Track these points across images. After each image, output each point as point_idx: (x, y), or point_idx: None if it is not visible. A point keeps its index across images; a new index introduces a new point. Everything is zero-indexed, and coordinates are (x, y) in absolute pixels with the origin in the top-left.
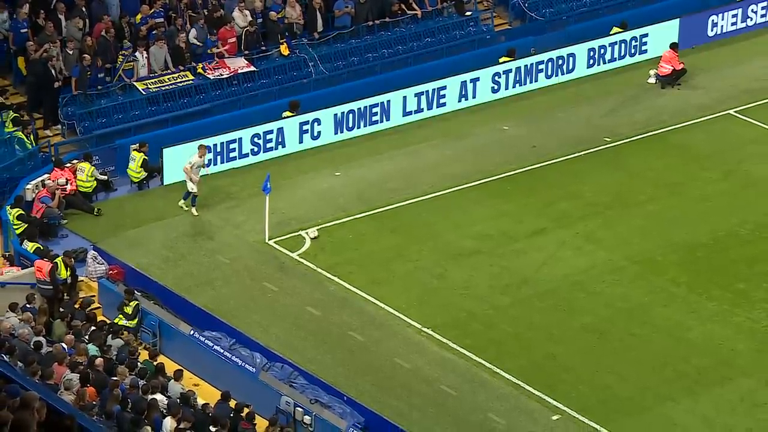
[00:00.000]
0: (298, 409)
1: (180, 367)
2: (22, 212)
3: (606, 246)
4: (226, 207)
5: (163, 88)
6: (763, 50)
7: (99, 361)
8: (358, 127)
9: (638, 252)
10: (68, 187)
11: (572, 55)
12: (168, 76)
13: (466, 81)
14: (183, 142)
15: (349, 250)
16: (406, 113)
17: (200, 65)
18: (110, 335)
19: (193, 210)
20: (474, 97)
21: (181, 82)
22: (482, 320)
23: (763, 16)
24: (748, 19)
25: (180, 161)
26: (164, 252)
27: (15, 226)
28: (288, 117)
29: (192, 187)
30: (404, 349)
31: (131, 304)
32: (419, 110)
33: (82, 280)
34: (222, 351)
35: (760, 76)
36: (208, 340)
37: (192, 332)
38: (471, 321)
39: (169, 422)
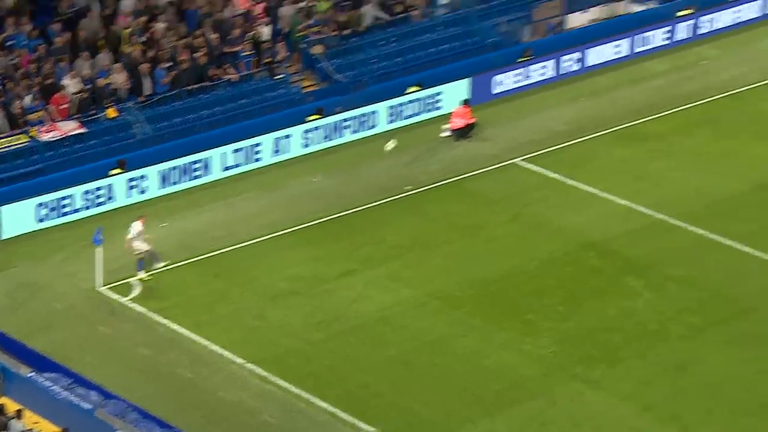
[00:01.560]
0: None
1: (21, 407)
2: None
3: (409, 284)
4: (60, 258)
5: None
6: (541, 106)
7: None
8: (182, 182)
9: (438, 289)
10: None
11: (374, 112)
12: (4, 139)
13: (279, 138)
14: (19, 199)
15: (176, 294)
16: (225, 168)
17: (34, 128)
18: None
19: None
20: (287, 152)
21: (16, 144)
22: (299, 355)
23: (541, 74)
24: (529, 78)
25: (16, 218)
26: (4, 301)
27: None
28: (118, 174)
29: (141, 251)
30: (229, 384)
31: None
32: (237, 165)
33: None
34: (60, 390)
35: (540, 129)
36: (46, 381)
37: (31, 374)
38: (289, 356)
39: None
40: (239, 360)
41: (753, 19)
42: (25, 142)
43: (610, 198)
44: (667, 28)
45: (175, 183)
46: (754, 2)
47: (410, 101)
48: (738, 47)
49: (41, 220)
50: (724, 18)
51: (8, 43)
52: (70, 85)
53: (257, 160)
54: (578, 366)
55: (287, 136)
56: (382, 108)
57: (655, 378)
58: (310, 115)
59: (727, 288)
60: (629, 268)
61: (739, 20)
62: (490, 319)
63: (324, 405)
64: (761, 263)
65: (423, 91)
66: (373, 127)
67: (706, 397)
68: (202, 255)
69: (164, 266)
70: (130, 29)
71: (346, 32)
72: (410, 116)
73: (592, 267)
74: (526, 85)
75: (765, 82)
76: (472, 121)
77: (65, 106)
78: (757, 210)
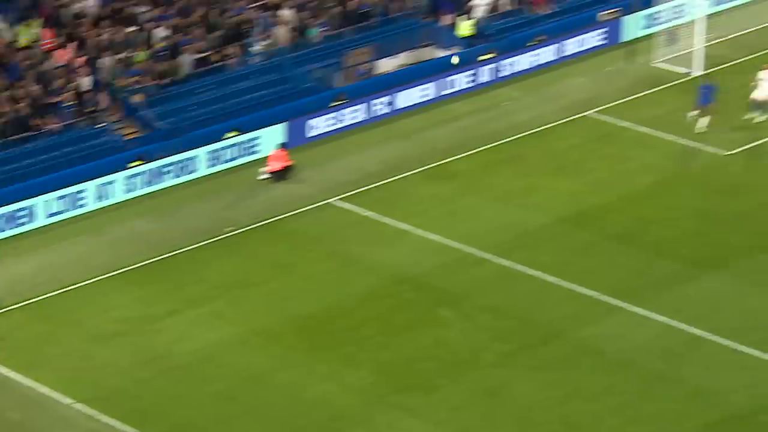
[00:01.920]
0: None
1: None
2: None
3: (232, 322)
4: None
5: None
6: (354, 148)
7: None
8: (7, 230)
9: (260, 325)
10: None
11: (194, 157)
12: None
13: (102, 184)
14: None
15: (4, 338)
16: (50, 215)
17: None
18: None
19: None
20: (110, 197)
21: None
22: (126, 393)
23: (353, 118)
24: (342, 122)
25: None
26: None
27: None
28: None
29: None
30: (58, 425)
31: None
32: (62, 212)
33: None
34: None
35: (354, 169)
36: None
37: None
38: (116, 394)
39: None
40: (68, 400)
41: (550, 61)
42: None
43: (422, 234)
44: (471, 72)
45: (1, 231)
46: (551, 46)
47: (229, 146)
48: (537, 88)
49: None
50: (523, 61)
51: None
52: None
53: (81, 206)
54: (396, 395)
55: (110, 182)
56: (201, 153)
57: (468, 404)
58: (132, 162)
59: (533, 315)
60: (442, 299)
61: (537, 63)
62: (310, 353)
63: None
64: (565, 291)
65: (241, 136)
66: (193, 171)
67: (517, 421)
68: (30, 299)
69: None
70: None
71: (165, 81)
72: (229, 160)
73: (407, 300)
74: (340, 128)
75: (563, 120)
76: (288, 163)
77: None
78: (559, 241)
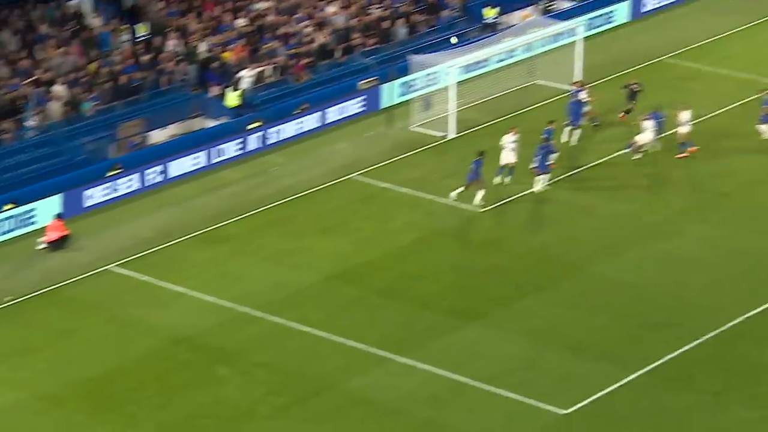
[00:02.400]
0: None
1: None
2: None
3: (14, 387)
4: None
5: None
6: (130, 216)
7: None
8: None
9: (42, 390)
10: None
11: None
12: None
13: None
14: None
15: None
16: None
17: None
18: None
19: None
20: None
21: None
22: None
23: (128, 187)
24: (117, 191)
25: None
26: None
27: None
28: None
29: None
30: None
31: None
32: None
33: None
34: None
35: (130, 236)
36: None
37: None
38: None
39: None
40: None
41: (314, 128)
42: None
43: (197, 295)
44: (240, 140)
45: None
46: (315, 114)
47: (6, 218)
48: (302, 154)
49: None
50: (288, 129)
51: None
52: None
53: None
54: None
55: None
56: None
57: None
58: None
59: (306, 369)
60: (218, 357)
61: (301, 130)
62: (93, 415)
63: None
64: (335, 345)
65: (18, 208)
66: None
67: None
68: None
69: None
70: None
71: None
72: (7, 232)
73: (185, 359)
74: (115, 197)
75: (328, 183)
76: (65, 233)
77: None
78: (327, 298)
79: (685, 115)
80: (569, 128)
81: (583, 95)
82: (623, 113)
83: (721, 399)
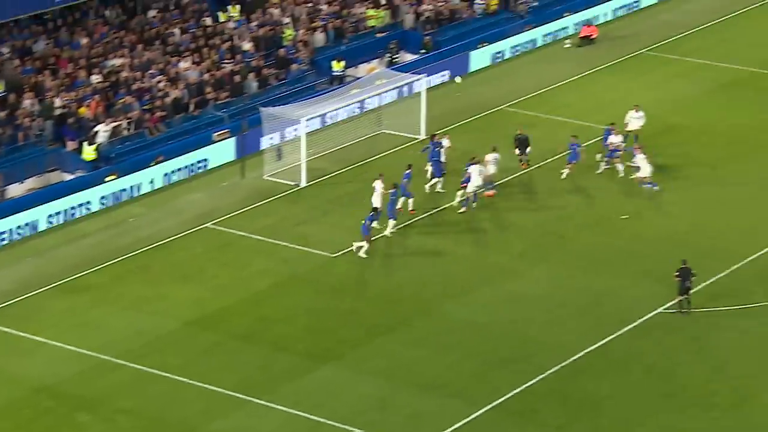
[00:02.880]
0: None
1: None
2: None
3: None
4: None
5: None
6: None
7: None
8: None
9: None
10: None
11: None
12: None
13: None
14: None
15: None
16: None
17: None
18: None
19: None
20: None
21: None
22: None
23: None
24: None
25: None
26: None
27: None
28: None
29: None
30: None
31: None
32: None
33: None
34: None
35: None
36: None
37: None
38: None
39: None
40: None
41: (171, 179)
42: None
43: (58, 345)
44: (98, 192)
45: None
46: (169, 165)
47: None
48: (160, 204)
49: None
50: (145, 180)
51: None
52: None
53: None
54: None
55: None
56: None
57: None
58: None
59: (167, 414)
60: (80, 405)
61: (158, 181)
62: None
63: None
64: (195, 389)
65: None
66: None
67: None
68: None
69: None
70: None
71: None
72: None
73: (46, 407)
74: None
75: (185, 232)
76: None
77: None
78: (186, 344)
79: (490, 157)
80: (435, 179)
81: (445, 142)
82: (522, 163)
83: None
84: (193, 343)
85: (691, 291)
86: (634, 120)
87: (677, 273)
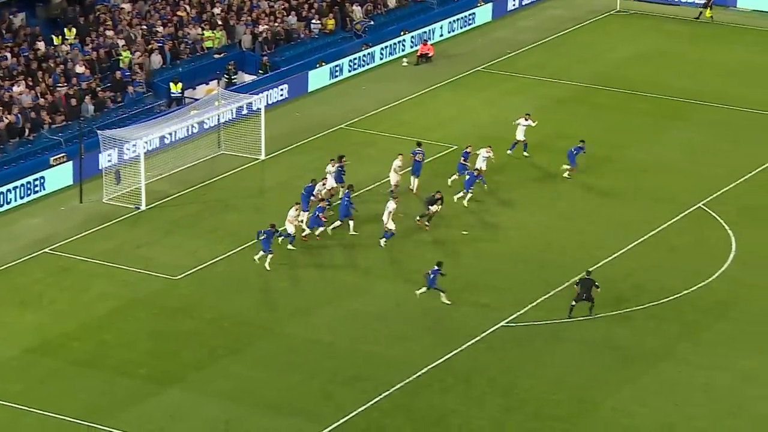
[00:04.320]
0: None
1: None
2: None
3: None
4: None
5: None
6: None
7: None
8: None
9: None
10: None
11: None
12: None
13: None
14: None
15: None
16: None
17: None
18: None
19: None
20: None
21: None
22: None
23: None
24: None
25: None
26: None
27: None
28: None
29: None
30: None
31: None
32: None
33: None
34: None
35: None
36: None
37: None
38: None
39: None
40: None
41: (7, 205)
42: None
43: None
44: None
45: None
46: (15, 182)
47: None
48: None
49: None
50: None
51: None
52: None
53: None
54: None
55: None
56: None
57: None
58: None
59: None
60: None
61: None
62: None
63: None
64: (35, 417)
65: None
66: None
67: None
68: None
69: None
70: None
71: None
72: None
73: None
74: None
75: (23, 258)
76: None
77: None
78: (26, 371)
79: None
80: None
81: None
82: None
83: None
84: (33, 369)
85: (592, 302)
86: (521, 128)
87: (577, 281)
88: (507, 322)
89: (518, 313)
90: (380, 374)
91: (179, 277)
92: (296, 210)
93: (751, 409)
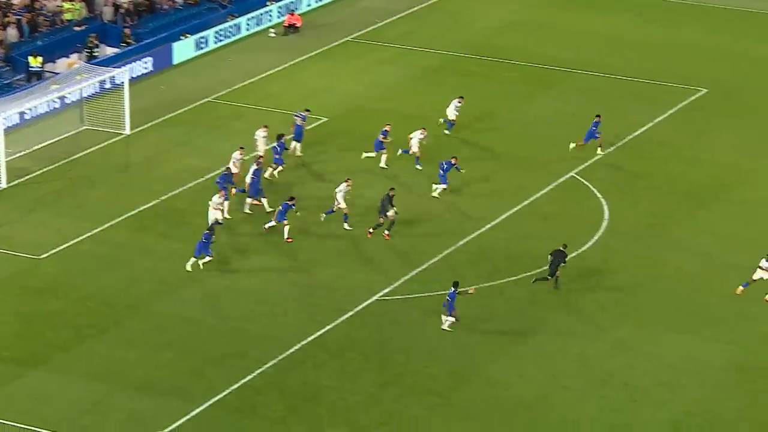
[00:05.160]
0: None
1: None
2: None
3: None
4: None
5: None
6: None
7: None
8: None
9: None
10: None
11: None
12: None
13: None
14: None
15: None
16: None
17: None
18: None
19: None
20: None
21: None
22: None
23: None
24: None
25: None
26: None
27: None
28: None
29: None
30: None
31: None
32: None
33: None
34: None
35: None
36: None
37: None
38: None
39: None
40: None
41: None
42: None
43: None
44: None
45: None
46: None
47: None
48: None
49: None
50: None
51: None
52: None
53: None
54: None
55: None
56: None
57: None
58: None
59: None
60: None
61: None
62: None
63: None
64: None
65: None
66: None
67: None
68: None
69: None
70: None
71: None
72: None
73: None
74: None
75: None
76: None
77: None
78: None
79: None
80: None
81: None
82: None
83: (285, 424)
84: None
85: (558, 274)
86: (452, 110)
87: (551, 253)
88: (381, 296)
89: (392, 287)
90: (252, 351)
91: (43, 256)
92: (220, 197)
93: (623, 378)
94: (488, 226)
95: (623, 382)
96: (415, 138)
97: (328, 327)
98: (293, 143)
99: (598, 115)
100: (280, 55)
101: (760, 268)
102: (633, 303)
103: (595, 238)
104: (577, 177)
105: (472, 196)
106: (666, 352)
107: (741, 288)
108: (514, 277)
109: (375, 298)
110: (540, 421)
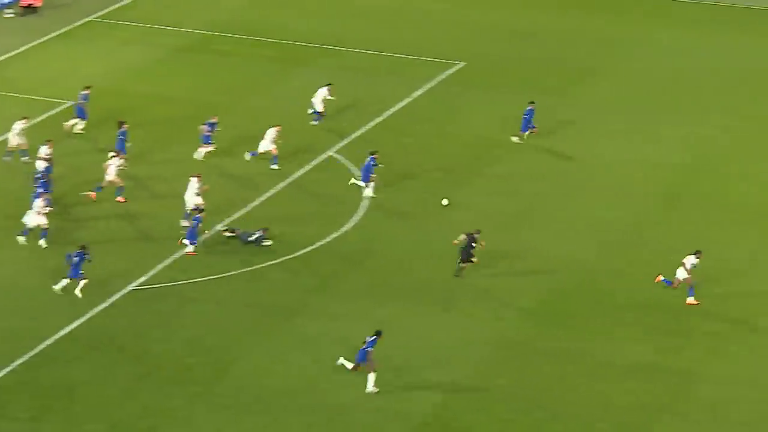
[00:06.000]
0: None
1: None
2: None
3: None
4: None
5: None
6: None
7: None
8: None
9: None
10: None
11: None
12: None
13: None
14: None
15: None
16: None
17: None
18: None
19: None
20: None
21: None
22: None
23: None
24: None
25: None
26: None
27: None
28: None
29: None
30: None
31: None
32: None
33: None
34: None
35: None
36: None
37: None
38: None
39: None
40: None
41: None
42: None
43: None
44: None
45: None
46: None
47: None
48: None
49: None
50: None
51: None
52: None
53: None
54: None
55: None
56: None
57: None
58: None
59: None
60: None
61: None
62: None
63: None
64: None
65: None
66: None
67: None
68: None
69: None
70: None
71: None
72: None
73: None
74: None
75: None
76: None
77: None
78: None
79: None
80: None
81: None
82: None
83: (38, 423)
84: None
85: (473, 259)
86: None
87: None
88: (135, 286)
89: (147, 276)
90: (0, 349)
91: None
92: (43, 200)
93: (388, 362)
94: (247, 208)
95: (389, 366)
96: (269, 137)
97: (81, 320)
98: (73, 119)
99: (531, 102)
100: (17, 37)
101: (683, 266)
102: (396, 283)
103: (356, 218)
104: (335, 155)
105: (226, 179)
106: (432, 331)
107: (660, 278)
108: (274, 261)
109: (129, 287)
110: (305, 407)
